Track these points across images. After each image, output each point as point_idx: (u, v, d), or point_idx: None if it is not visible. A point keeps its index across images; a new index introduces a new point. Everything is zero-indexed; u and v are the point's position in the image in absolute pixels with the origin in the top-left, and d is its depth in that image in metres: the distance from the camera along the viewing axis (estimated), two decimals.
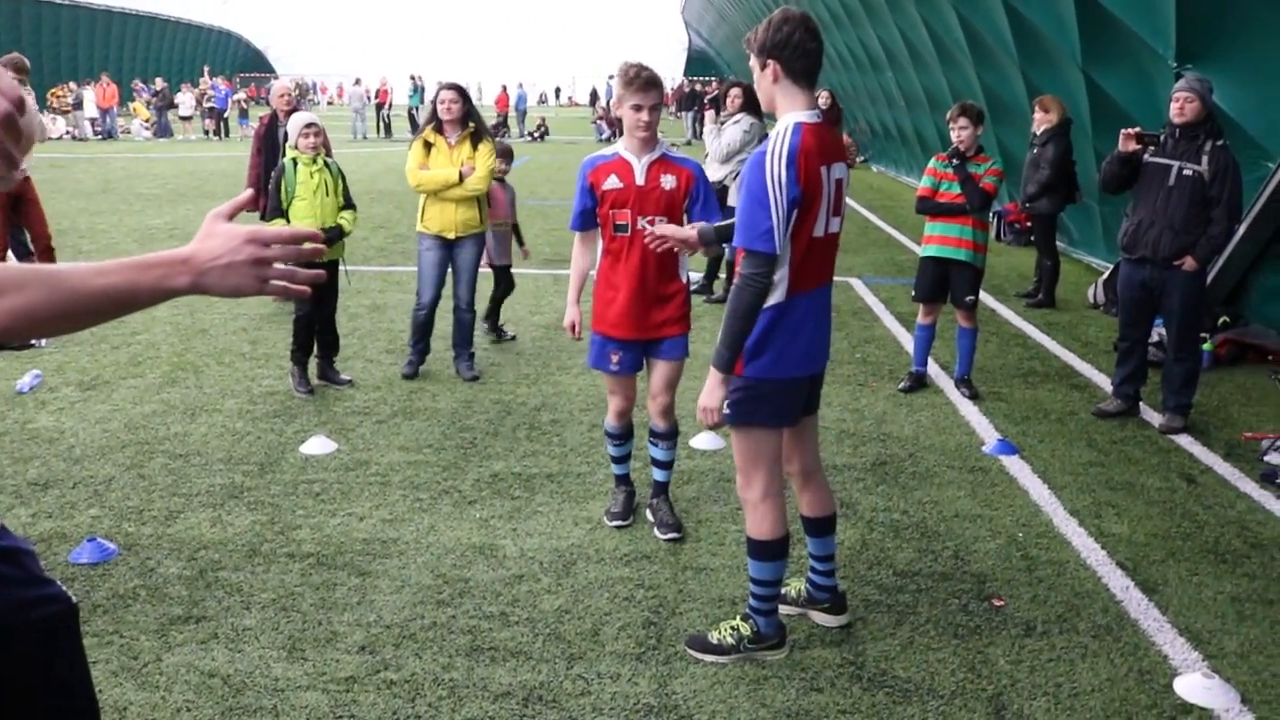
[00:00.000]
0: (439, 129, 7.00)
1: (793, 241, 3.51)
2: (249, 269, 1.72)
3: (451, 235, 7.09)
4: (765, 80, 3.61)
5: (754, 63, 3.65)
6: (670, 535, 4.88)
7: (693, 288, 9.67)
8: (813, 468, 4.05)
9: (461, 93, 7.05)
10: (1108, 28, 9.55)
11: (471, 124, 7.04)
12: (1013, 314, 9.73)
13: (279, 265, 1.75)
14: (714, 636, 3.93)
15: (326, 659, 3.86)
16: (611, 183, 4.62)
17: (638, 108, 4.48)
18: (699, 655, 3.90)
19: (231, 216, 1.75)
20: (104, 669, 3.76)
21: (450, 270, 7.27)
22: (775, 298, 3.58)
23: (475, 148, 7.00)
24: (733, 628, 3.91)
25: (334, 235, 6.96)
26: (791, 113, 3.56)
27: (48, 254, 9.16)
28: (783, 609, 4.18)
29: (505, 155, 8.17)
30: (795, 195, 3.42)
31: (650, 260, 4.61)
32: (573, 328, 4.87)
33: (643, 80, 4.46)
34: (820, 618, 4.16)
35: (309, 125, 6.79)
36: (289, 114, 8.93)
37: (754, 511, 3.82)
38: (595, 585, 4.45)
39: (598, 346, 4.82)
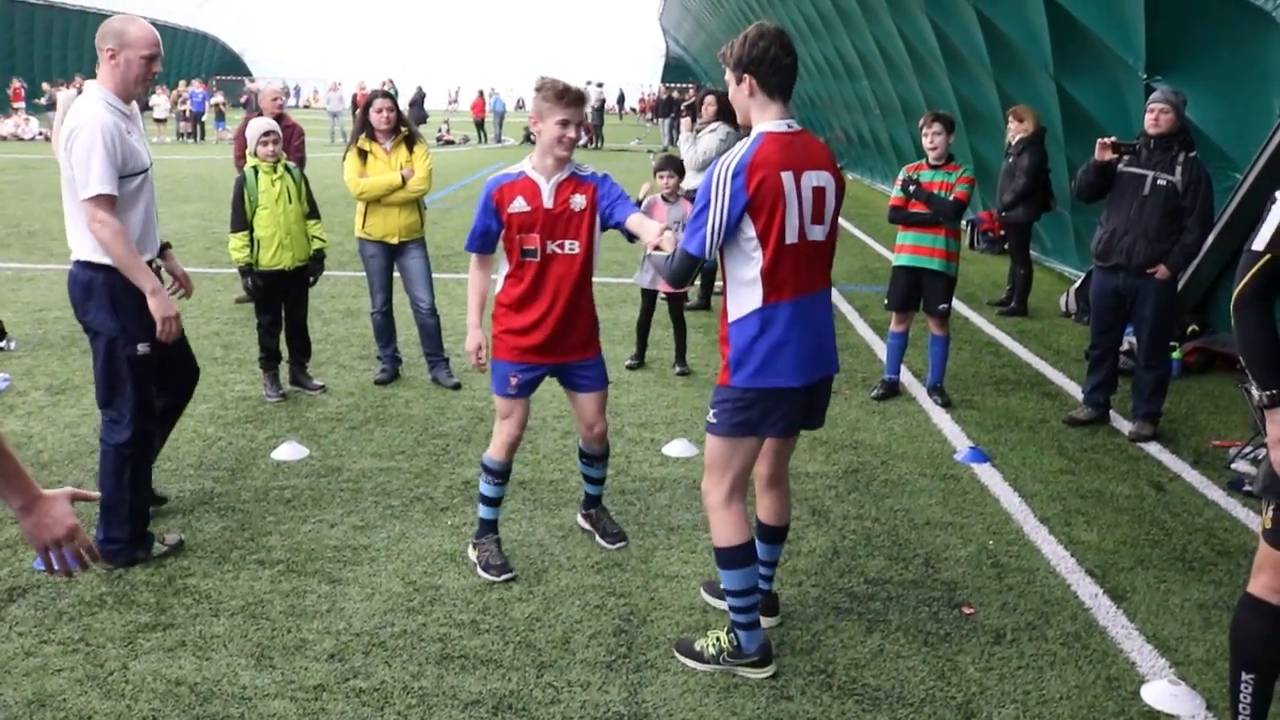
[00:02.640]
0: (372, 136, 7.03)
1: (763, 247, 3.54)
2: (49, 540, 2.31)
3: (394, 240, 7.12)
4: (740, 94, 3.65)
5: (729, 76, 3.67)
6: (620, 544, 4.86)
7: (691, 302, 9.75)
8: (781, 476, 4.06)
9: (394, 100, 7.17)
10: (1079, 39, 9.63)
11: (404, 129, 7.10)
12: (985, 322, 9.79)
13: (63, 551, 2.33)
14: (699, 644, 3.93)
15: (295, 667, 3.84)
16: (518, 205, 4.33)
17: (565, 123, 4.22)
18: (682, 659, 3.91)
19: (73, 500, 2.36)
20: (69, 677, 3.72)
21: (401, 276, 7.28)
22: (752, 304, 3.60)
23: (410, 151, 7.07)
24: (716, 638, 3.90)
25: (318, 258, 6.96)
26: (762, 124, 3.62)
27: None
28: (713, 601, 4.30)
29: (676, 169, 7.85)
30: (743, 203, 3.49)
31: (564, 284, 4.38)
32: (477, 352, 4.50)
33: (572, 95, 4.23)
34: None
35: (267, 133, 6.74)
36: (278, 118, 8.88)
37: (718, 516, 3.79)
38: (566, 593, 4.44)
39: (500, 371, 4.52)
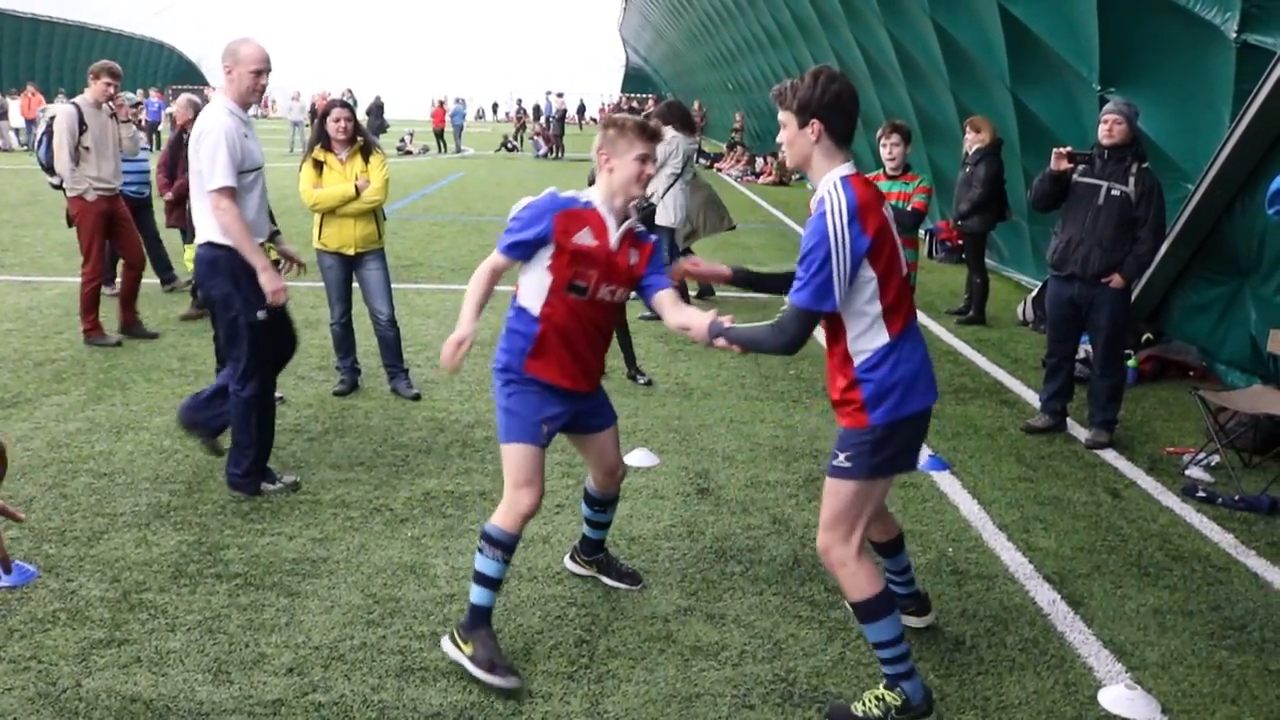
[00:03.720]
0: (328, 147, 6.97)
1: (883, 285, 3.45)
2: None
3: (351, 251, 7.05)
4: (803, 138, 3.51)
5: (788, 118, 3.53)
6: (640, 586, 4.59)
7: (648, 313, 9.75)
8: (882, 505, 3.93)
9: (352, 110, 7.12)
10: (1034, 51, 9.75)
11: (360, 139, 7.05)
12: (944, 330, 9.87)
13: None
14: (857, 708, 3.66)
15: (253, 681, 3.79)
16: (584, 238, 3.87)
17: (645, 159, 3.90)
18: None
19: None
20: (20, 695, 3.66)
21: (359, 287, 7.22)
22: (879, 340, 3.49)
23: (366, 161, 7.00)
24: (878, 698, 3.64)
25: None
26: (834, 170, 3.51)
27: (136, 281, 8.89)
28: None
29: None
30: (865, 247, 3.39)
31: (604, 324, 4.05)
32: (459, 344, 3.81)
33: (652, 130, 3.94)
34: (909, 620, 4.15)
35: None
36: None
37: (852, 570, 3.58)
38: (527, 604, 4.43)
39: (525, 413, 3.94)
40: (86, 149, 8.38)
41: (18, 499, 5.36)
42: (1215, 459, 6.23)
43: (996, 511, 5.58)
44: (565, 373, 3.97)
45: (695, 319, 3.78)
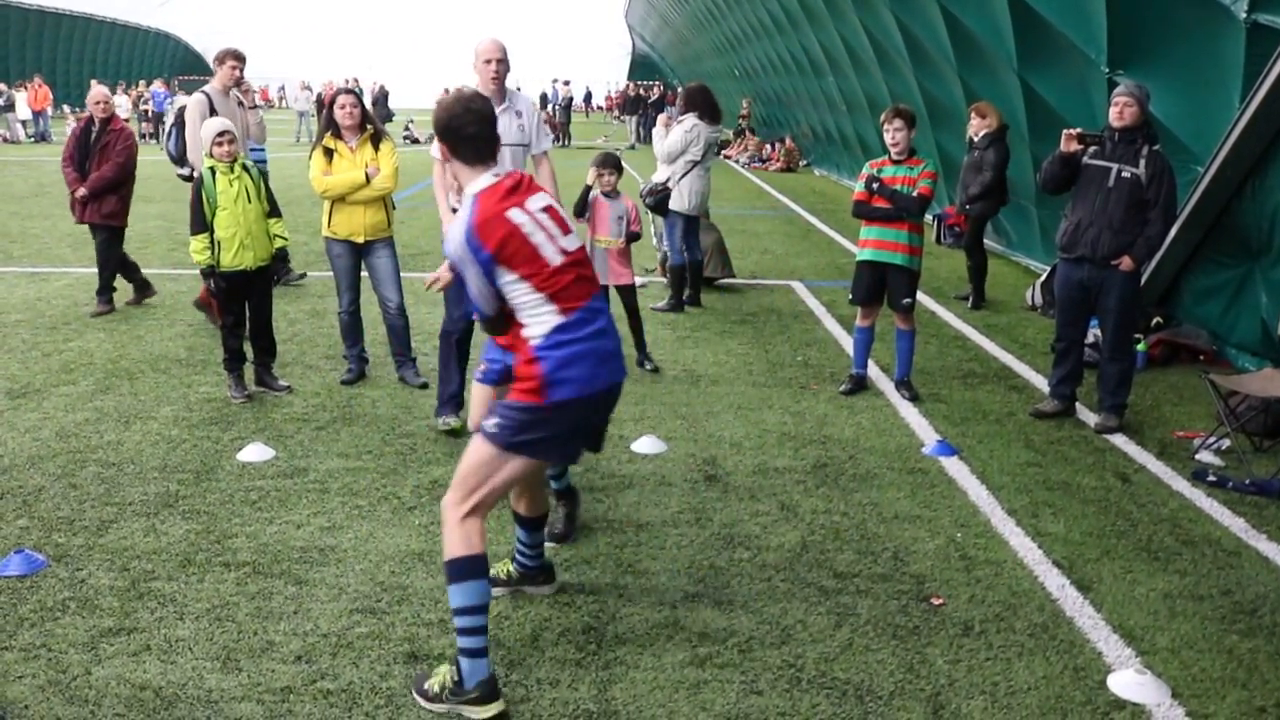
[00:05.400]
0: (338, 134, 6.95)
1: (531, 281, 3.50)
2: None
3: (360, 239, 7.03)
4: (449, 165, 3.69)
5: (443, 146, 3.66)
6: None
7: (660, 304, 9.74)
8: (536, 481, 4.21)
9: (358, 97, 7.11)
10: (1042, 34, 9.69)
11: (370, 127, 7.03)
12: (952, 316, 9.83)
13: None
14: (428, 683, 3.64)
15: (262, 669, 3.80)
16: None
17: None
18: (418, 700, 3.63)
19: None
20: (30, 684, 3.67)
21: (369, 275, 7.21)
22: (548, 323, 3.52)
23: (376, 149, 6.99)
24: (443, 674, 3.61)
25: (281, 257, 6.90)
26: (472, 184, 3.61)
27: None
28: (496, 591, 4.25)
29: (614, 167, 7.89)
30: (487, 258, 3.48)
31: None
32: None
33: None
34: (538, 589, 4.39)
35: (222, 133, 6.66)
36: (105, 120, 8.91)
37: (455, 528, 3.58)
38: None
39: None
40: None
41: (27, 489, 5.38)
42: (1226, 443, 6.21)
43: (1005, 497, 5.56)
44: None
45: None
